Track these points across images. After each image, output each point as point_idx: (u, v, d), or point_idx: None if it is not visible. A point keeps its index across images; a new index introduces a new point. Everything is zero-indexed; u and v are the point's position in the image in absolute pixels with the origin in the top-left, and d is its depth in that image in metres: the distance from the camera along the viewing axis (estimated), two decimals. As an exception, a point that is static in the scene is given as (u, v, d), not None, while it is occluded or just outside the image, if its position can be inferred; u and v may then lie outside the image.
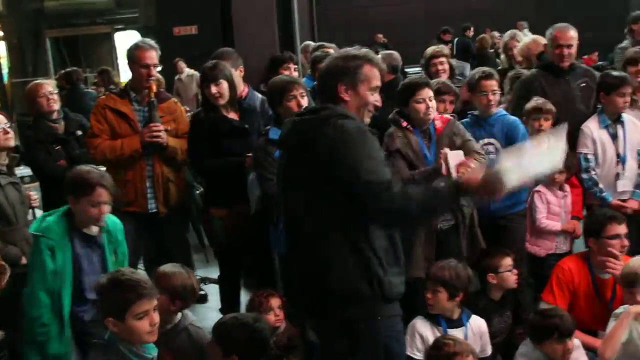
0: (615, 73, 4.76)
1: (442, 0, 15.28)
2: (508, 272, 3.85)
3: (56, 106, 5.08)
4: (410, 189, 2.71)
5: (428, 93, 3.96)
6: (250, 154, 4.15)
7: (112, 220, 3.59)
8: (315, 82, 5.19)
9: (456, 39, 12.40)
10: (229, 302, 4.50)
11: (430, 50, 5.65)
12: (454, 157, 3.89)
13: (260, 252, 4.33)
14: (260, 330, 3.22)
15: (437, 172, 3.77)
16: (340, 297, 2.75)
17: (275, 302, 3.77)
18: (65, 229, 3.39)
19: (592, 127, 4.59)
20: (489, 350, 3.66)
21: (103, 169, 4.80)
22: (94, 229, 3.47)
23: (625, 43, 6.23)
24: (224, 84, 4.29)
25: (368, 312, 2.77)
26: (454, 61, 11.15)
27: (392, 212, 2.67)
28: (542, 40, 5.29)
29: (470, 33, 12.35)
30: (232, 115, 4.38)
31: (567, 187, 4.50)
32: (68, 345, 3.39)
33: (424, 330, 3.53)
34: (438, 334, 3.47)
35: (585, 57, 6.74)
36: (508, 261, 3.83)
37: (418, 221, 2.79)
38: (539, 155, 2.71)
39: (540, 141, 2.82)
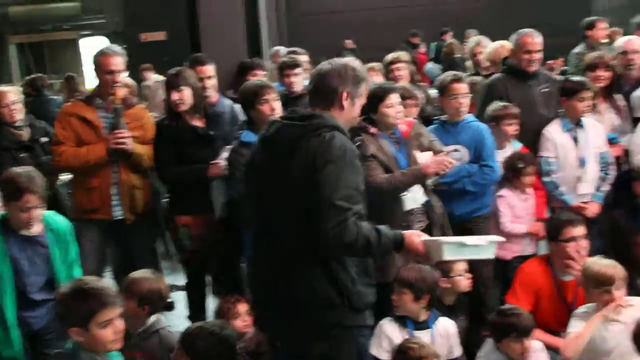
0: (575, 78, 4.85)
1: (413, 6, 15.39)
2: (459, 277, 3.88)
3: (19, 116, 5.03)
4: (363, 226, 2.69)
5: (396, 98, 4.02)
6: (213, 162, 4.18)
7: (55, 220, 3.56)
8: (284, 88, 5.25)
9: (435, 43, 12.52)
10: (195, 309, 4.50)
11: (389, 56, 5.68)
12: (424, 158, 3.98)
13: (227, 258, 4.34)
14: (227, 337, 3.23)
15: (422, 174, 3.88)
16: (311, 305, 2.78)
17: (242, 307, 3.79)
18: (0, 233, 3.37)
19: (554, 131, 4.67)
20: (457, 352, 3.68)
21: (69, 176, 4.78)
22: (35, 229, 3.44)
23: (579, 48, 6.33)
24: (186, 91, 4.30)
25: (340, 320, 2.80)
26: (430, 64, 11.30)
27: (339, 242, 2.67)
28: (509, 45, 5.39)
29: (448, 37, 12.45)
30: (198, 122, 4.38)
31: (530, 190, 4.57)
32: (17, 347, 3.37)
33: (391, 332, 3.55)
34: (405, 336, 3.49)
35: (550, 62, 6.84)
36: (460, 265, 3.86)
37: (353, 255, 2.83)
38: (478, 244, 2.96)
39: (482, 237, 3.09)
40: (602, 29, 6.25)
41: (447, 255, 2.86)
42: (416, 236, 2.87)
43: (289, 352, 3.00)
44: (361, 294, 2.82)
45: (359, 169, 2.78)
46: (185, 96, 4.30)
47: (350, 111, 2.90)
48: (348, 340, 2.83)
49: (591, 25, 6.30)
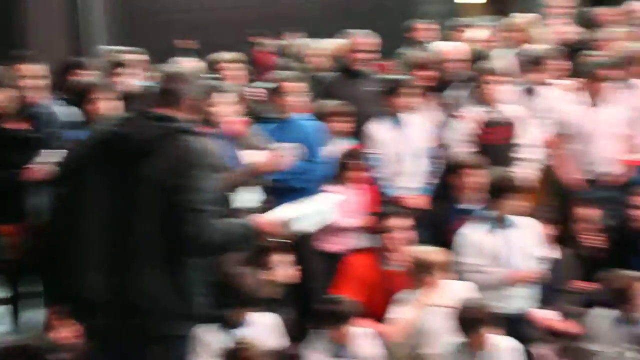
0: (394, 77, 5.09)
1: (255, 6, 15.41)
2: (280, 268, 3.93)
3: None
4: (220, 224, 2.76)
5: (222, 97, 4.01)
6: (29, 166, 3.98)
7: None
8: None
9: (281, 43, 12.58)
10: (17, 321, 4.27)
11: (216, 56, 5.61)
12: (256, 157, 4.01)
13: (53, 267, 4.15)
14: (38, 351, 3.11)
15: (255, 173, 3.90)
16: (150, 313, 2.75)
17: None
18: None
19: (379, 128, 4.86)
20: (280, 344, 3.73)
21: None
22: None
23: (404, 49, 6.61)
24: (2, 93, 4.08)
25: (176, 329, 2.81)
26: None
27: (198, 243, 2.71)
28: (342, 45, 5.60)
29: (289, 38, 12.56)
30: (20, 124, 4.16)
31: (361, 185, 4.73)
32: None
33: (209, 335, 3.52)
34: (225, 338, 3.50)
35: (381, 62, 7.09)
36: (278, 257, 3.91)
37: (213, 253, 2.91)
38: (323, 207, 3.06)
39: (327, 197, 3.24)
40: (423, 31, 6.59)
41: (300, 226, 2.95)
42: (260, 217, 2.96)
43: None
44: (201, 305, 2.85)
45: (218, 174, 2.84)
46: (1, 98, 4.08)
47: (191, 115, 2.92)
48: (178, 349, 2.86)
49: (411, 29, 6.65)
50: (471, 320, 3.55)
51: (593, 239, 4.52)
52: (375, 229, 4.31)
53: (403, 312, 3.81)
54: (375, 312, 4.02)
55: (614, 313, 3.89)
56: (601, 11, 6.36)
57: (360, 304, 3.87)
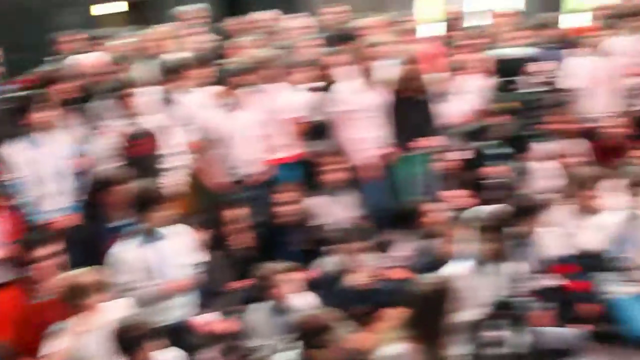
0: (24, 93, 4.79)
1: None
2: None
3: None
4: None
5: None
6: None
7: None
8: None
9: None
10: None
11: None
12: None
13: None
14: None
15: None
16: None
17: None
18: None
19: (15, 149, 4.54)
20: None
21: None
22: None
23: (44, 63, 6.27)
24: None
25: None
26: None
27: None
28: None
29: None
30: None
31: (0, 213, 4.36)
32: None
33: None
34: None
35: (16, 79, 6.56)
36: None
37: None
38: None
39: None
40: (67, 43, 6.30)
41: None
42: None
43: None
44: None
45: None
46: None
47: None
48: None
49: (57, 40, 6.34)
50: (131, 339, 3.48)
51: (243, 238, 4.76)
52: (20, 260, 3.98)
53: (59, 344, 3.58)
54: (30, 351, 3.72)
55: (268, 306, 4.15)
56: (230, 22, 6.73)
57: (10, 343, 3.56)
